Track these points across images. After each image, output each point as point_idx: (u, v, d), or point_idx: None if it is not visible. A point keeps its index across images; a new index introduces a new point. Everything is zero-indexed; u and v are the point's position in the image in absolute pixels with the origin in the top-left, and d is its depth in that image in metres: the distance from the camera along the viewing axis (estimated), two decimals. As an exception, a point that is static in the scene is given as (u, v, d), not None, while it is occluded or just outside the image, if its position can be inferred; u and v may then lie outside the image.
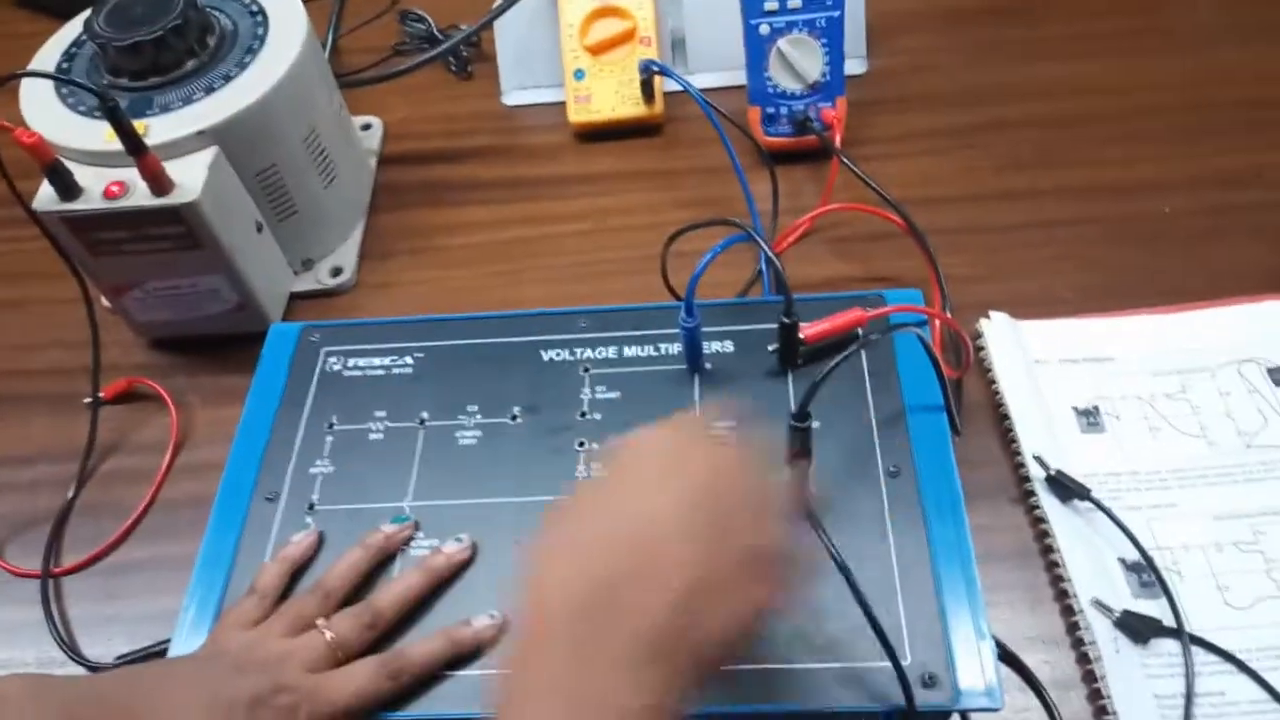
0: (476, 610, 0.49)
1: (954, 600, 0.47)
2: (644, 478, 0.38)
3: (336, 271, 0.78)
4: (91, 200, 0.64)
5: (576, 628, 0.35)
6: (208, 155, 0.65)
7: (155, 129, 0.65)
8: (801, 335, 0.54)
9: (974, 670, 0.45)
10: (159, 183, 0.63)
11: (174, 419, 0.71)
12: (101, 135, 0.64)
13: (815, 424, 0.53)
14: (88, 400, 0.71)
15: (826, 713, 0.45)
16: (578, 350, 0.59)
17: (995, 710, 0.44)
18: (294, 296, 0.77)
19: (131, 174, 0.63)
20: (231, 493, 0.55)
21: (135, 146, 0.61)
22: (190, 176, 0.64)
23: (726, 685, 0.45)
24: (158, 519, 0.67)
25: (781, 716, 0.46)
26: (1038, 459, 0.59)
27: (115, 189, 0.64)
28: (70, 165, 0.64)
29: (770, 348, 0.56)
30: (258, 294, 0.71)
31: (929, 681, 0.45)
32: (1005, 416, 0.63)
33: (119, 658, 0.60)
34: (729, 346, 0.58)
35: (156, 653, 0.57)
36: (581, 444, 0.54)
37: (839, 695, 0.45)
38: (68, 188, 0.64)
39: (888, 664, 0.45)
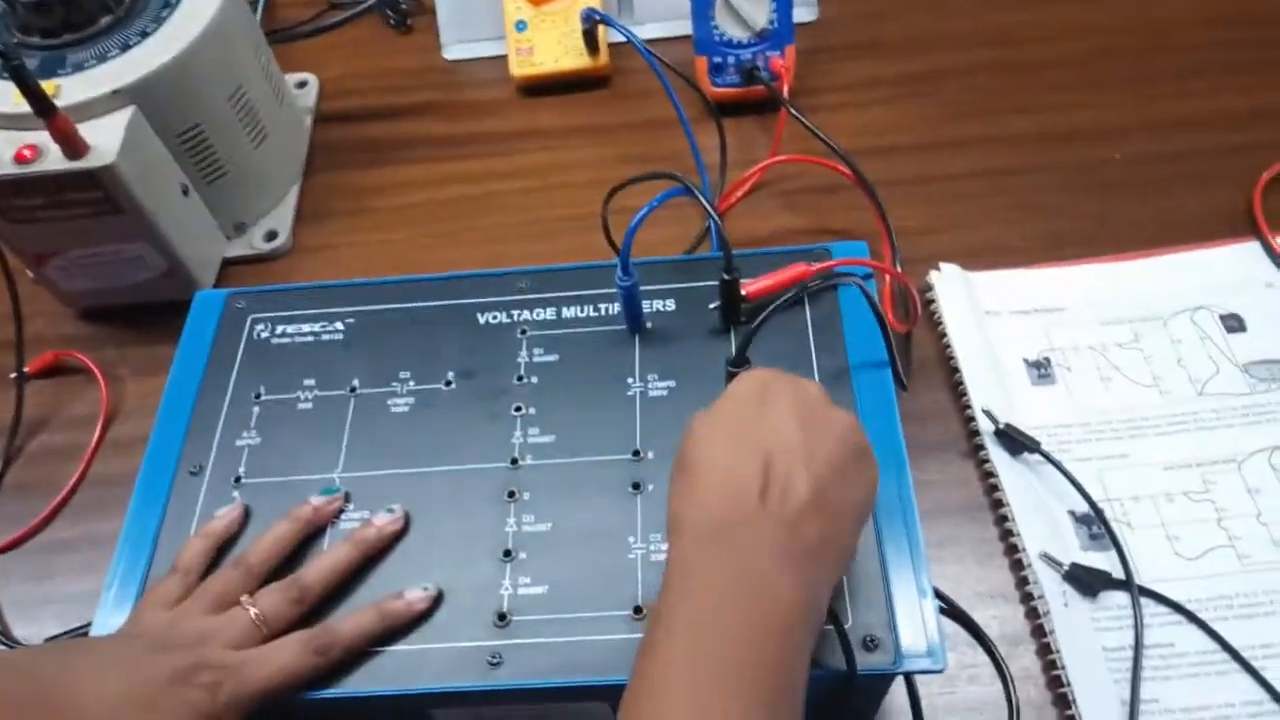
0: (409, 583, 0.47)
1: (896, 560, 0.46)
2: (759, 400, 0.42)
3: (271, 235, 0.75)
4: (1, 165, 0.61)
5: (726, 528, 0.38)
6: (124, 116, 0.62)
7: (67, 89, 0.62)
8: (743, 292, 0.53)
9: (917, 631, 0.44)
10: (72, 145, 0.60)
11: (104, 392, 0.68)
12: (10, 96, 0.61)
13: (757, 382, 0.51)
14: (13, 375, 0.68)
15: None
16: (515, 312, 0.57)
17: (938, 671, 0.43)
18: (227, 262, 0.74)
19: (44, 137, 0.60)
20: (155, 467, 0.53)
21: (43, 107, 0.58)
22: (106, 138, 0.61)
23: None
24: (88, 496, 0.65)
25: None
26: (987, 412, 0.58)
27: (27, 153, 0.61)
28: (-21, 129, 0.61)
29: (712, 305, 0.54)
30: (186, 260, 0.68)
31: (870, 644, 0.43)
32: (955, 370, 0.62)
33: (50, 639, 0.58)
34: (670, 305, 0.56)
35: (83, 634, 0.55)
36: (518, 409, 0.53)
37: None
38: (-24, 152, 0.61)
39: (829, 626, 0.44)
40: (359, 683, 0.45)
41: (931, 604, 0.44)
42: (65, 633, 0.58)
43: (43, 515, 0.64)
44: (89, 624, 0.54)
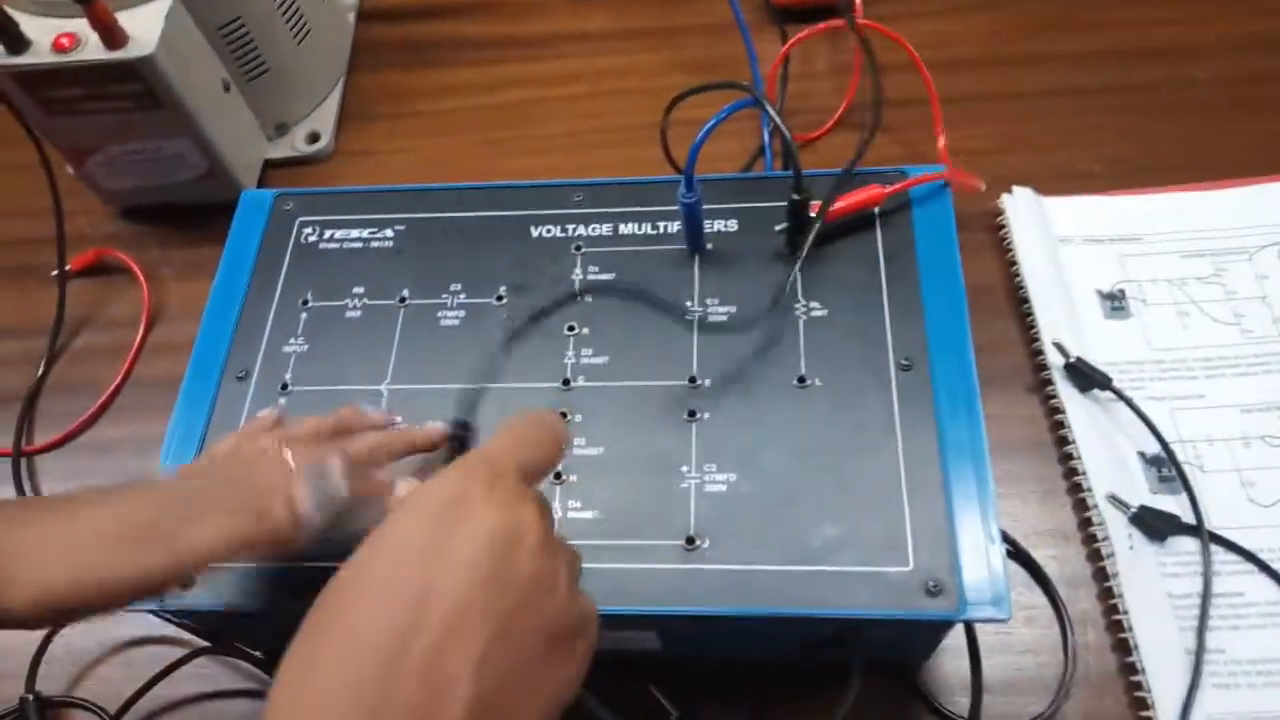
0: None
1: (964, 503, 0.44)
2: (441, 523, 0.31)
3: (314, 138, 0.72)
4: (40, 54, 0.59)
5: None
6: (164, 5, 0.60)
7: (106, -25, 0.59)
8: (812, 214, 0.50)
9: (981, 578, 0.42)
10: (111, 34, 0.58)
11: (145, 293, 0.67)
12: (49, -18, 0.58)
13: (821, 311, 0.49)
14: (54, 273, 0.67)
15: (814, 619, 0.42)
16: (570, 227, 0.54)
17: (1003, 621, 0.42)
18: (269, 165, 0.72)
19: (83, 26, 0.58)
20: (201, 370, 0.52)
21: (82, -6, 0.56)
22: (145, 28, 0.59)
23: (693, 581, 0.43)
24: (131, 396, 0.65)
25: (761, 621, 0.43)
26: (1057, 345, 0.56)
27: (65, 41, 0.59)
28: (17, 15, 0.59)
29: (778, 227, 0.51)
30: (228, 159, 0.66)
31: (933, 590, 0.42)
32: (1024, 299, 0.59)
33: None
34: (733, 225, 0.53)
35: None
36: (571, 328, 0.51)
37: (830, 599, 0.42)
38: (14, 39, 0.59)
39: (891, 568, 0.42)
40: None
41: (999, 550, 0.43)
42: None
43: (86, 415, 0.64)
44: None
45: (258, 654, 0.52)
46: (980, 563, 0.43)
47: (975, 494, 0.44)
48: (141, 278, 0.68)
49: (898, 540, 0.43)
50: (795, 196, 0.49)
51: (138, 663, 0.55)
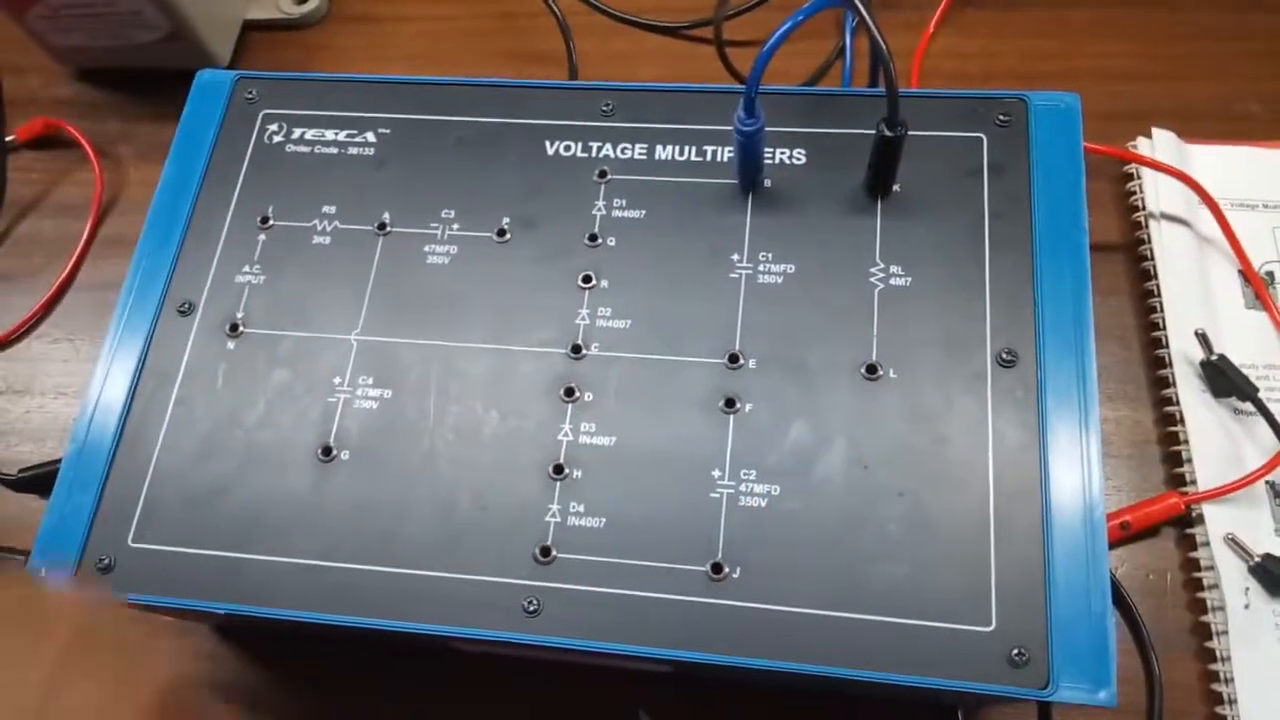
0: (439, 477, 0.37)
1: (1067, 551, 0.34)
2: None
3: (303, -3, 0.61)
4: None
5: None
6: None
7: None
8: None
9: (1082, 651, 0.33)
10: None
11: (98, 175, 0.57)
12: None
13: (903, 279, 0.39)
14: (-5, 141, 0.58)
15: (865, 682, 0.34)
16: (594, 144, 0.43)
17: (1108, 707, 0.33)
18: (249, 27, 0.61)
19: None
20: (137, 296, 0.43)
21: None
22: None
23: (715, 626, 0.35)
24: (76, 299, 0.56)
25: (802, 678, 0.35)
26: (1201, 336, 0.45)
27: None
28: None
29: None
30: (194, 21, 0.55)
31: (1019, 660, 0.33)
32: (1149, 274, 0.48)
33: (23, 470, 0.50)
34: (800, 157, 0.42)
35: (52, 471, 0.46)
36: (588, 280, 0.41)
37: (888, 659, 0.34)
38: None
39: (969, 627, 0.34)
40: (372, 612, 0.36)
41: (1109, 617, 0.34)
42: (34, 468, 0.49)
43: (23, 319, 0.54)
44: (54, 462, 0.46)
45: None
46: (1082, 631, 0.34)
47: (1084, 540, 0.35)
48: (94, 157, 0.57)
49: (980, 592, 0.34)
50: (888, 132, 0.38)
51: None
